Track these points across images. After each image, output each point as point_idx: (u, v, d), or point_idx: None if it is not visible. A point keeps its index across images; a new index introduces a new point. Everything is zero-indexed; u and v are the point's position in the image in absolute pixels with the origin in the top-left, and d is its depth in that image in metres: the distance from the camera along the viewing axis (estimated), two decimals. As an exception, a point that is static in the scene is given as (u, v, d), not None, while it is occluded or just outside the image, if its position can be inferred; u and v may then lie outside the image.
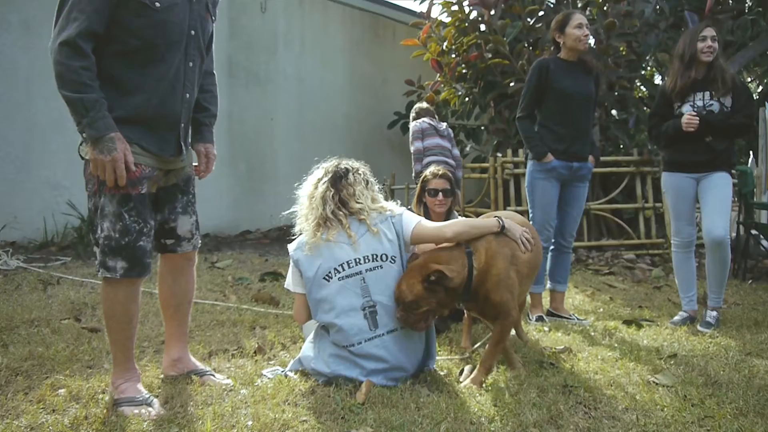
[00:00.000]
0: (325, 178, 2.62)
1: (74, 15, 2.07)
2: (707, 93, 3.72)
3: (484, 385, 2.49)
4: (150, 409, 2.19)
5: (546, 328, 3.60)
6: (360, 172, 2.69)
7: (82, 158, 2.26)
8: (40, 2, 6.54)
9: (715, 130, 3.68)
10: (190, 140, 2.51)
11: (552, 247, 3.97)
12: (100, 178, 2.18)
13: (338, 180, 2.62)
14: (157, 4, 2.17)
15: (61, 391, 2.39)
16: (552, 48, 3.97)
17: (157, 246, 2.49)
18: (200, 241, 2.61)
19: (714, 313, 3.74)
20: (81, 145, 2.24)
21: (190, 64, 2.35)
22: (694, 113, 3.66)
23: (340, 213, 2.56)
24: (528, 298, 3.88)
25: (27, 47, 6.42)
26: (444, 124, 5.67)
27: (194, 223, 2.53)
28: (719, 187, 3.70)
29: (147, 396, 2.28)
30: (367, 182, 2.68)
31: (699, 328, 3.62)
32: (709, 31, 3.70)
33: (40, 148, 6.48)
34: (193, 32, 2.32)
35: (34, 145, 6.47)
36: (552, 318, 3.91)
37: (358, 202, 2.59)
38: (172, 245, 2.49)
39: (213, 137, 2.64)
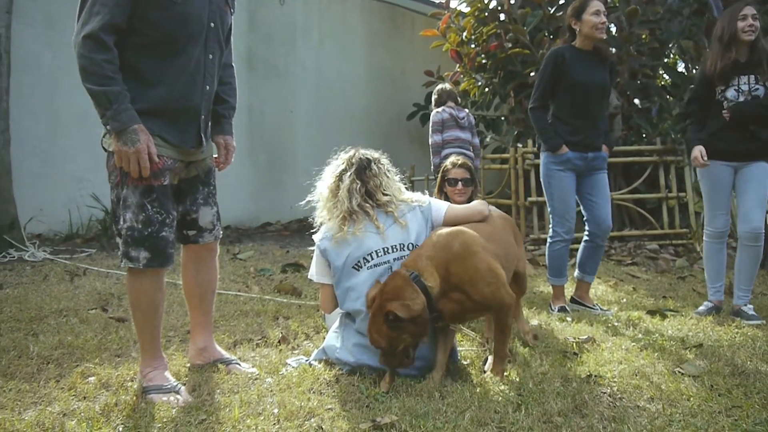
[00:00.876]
0: (350, 170, 2.60)
1: (97, 9, 2.10)
2: (752, 77, 3.58)
3: (505, 374, 2.47)
4: (178, 396, 2.23)
5: (569, 318, 3.58)
6: (381, 162, 2.69)
7: (105, 150, 2.30)
8: (63, -3, 6.63)
9: (755, 118, 3.55)
10: (210, 132, 2.53)
11: (587, 239, 3.88)
12: (123, 170, 2.21)
13: (362, 171, 2.61)
14: None
15: (91, 378, 2.44)
16: (567, 36, 3.87)
17: (180, 237, 2.52)
18: (221, 232, 2.63)
19: (750, 306, 3.65)
20: (104, 137, 2.27)
21: (210, 56, 2.37)
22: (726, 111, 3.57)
23: (367, 205, 2.56)
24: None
25: (50, 42, 6.51)
26: (465, 112, 5.60)
27: (215, 214, 2.56)
28: (758, 177, 3.59)
29: (175, 384, 2.31)
30: (389, 172, 2.68)
31: (746, 322, 3.44)
32: (750, 10, 3.55)
33: (64, 142, 6.58)
34: (212, 24, 2.34)
35: (58, 139, 6.57)
36: (575, 306, 3.89)
37: (385, 194, 2.60)
38: (194, 236, 2.52)
39: (232, 129, 2.66)
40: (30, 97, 6.32)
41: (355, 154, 2.68)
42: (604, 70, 3.82)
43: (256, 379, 2.45)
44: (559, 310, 3.82)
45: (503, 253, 2.61)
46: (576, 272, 3.99)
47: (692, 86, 4.15)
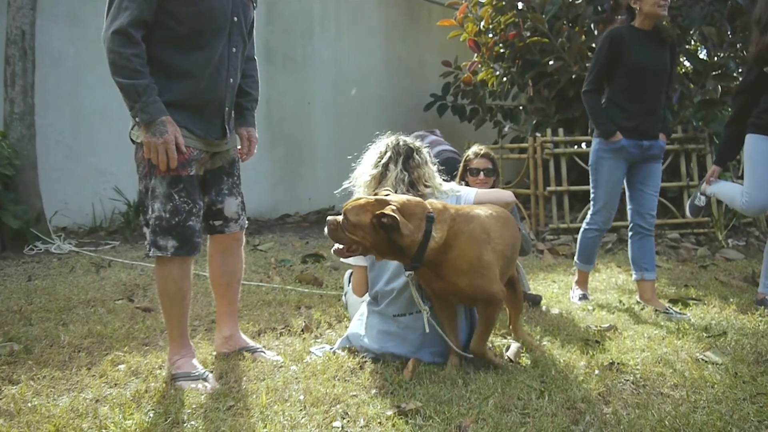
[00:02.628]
0: (398, 159, 2.62)
1: (125, 4, 2.14)
2: None
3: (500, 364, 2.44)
4: (206, 383, 2.28)
5: (590, 307, 3.58)
6: (422, 151, 2.70)
7: (134, 142, 2.35)
8: (85, -7, 6.71)
9: None
10: (233, 124, 2.57)
11: (631, 232, 3.73)
12: (151, 161, 2.26)
13: (407, 161, 2.63)
14: None
15: (121, 366, 2.50)
16: (624, 17, 3.65)
17: (206, 227, 2.56)
18: (247, 222, 2.67)
19: None
20: (132, 129, 2.32)
21: (234, 49, 2.41)
22: None
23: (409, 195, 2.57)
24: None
25: (74, 38, 6.59)
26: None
27: (240, 204, 2.60)
28: None
29: (202, 371, 2.36)
30: (429, 162, 2.70)
31: None
32: None
33: (87, 136, 6.67)
34: (236, 18, 2.38)
35: (82, 133, 6.66)
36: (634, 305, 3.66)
37: (427, 185, 2.63)
38: (221, 226, 2.56)
39: (255, 121, 2.70)
40: (54, 93, 6.41)
41: (399, 143, 2.68)
42: (665, 51, 3.60)
43: (281, 366, 2.49)
44: (580, 299, 3.76)
45: (506, 253, 2.52)
46: (633, 273, 3.74)
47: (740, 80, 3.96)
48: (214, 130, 2.41)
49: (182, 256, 2.33)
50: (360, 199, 2.31)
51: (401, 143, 2.68)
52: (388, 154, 2.64)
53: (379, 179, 2.63)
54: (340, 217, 2.30)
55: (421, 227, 2.24)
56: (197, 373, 2.34)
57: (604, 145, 3.62)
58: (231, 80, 2.42)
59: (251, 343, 2.71)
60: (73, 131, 6.61)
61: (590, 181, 3.77)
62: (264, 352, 2.64)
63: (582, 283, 3.88)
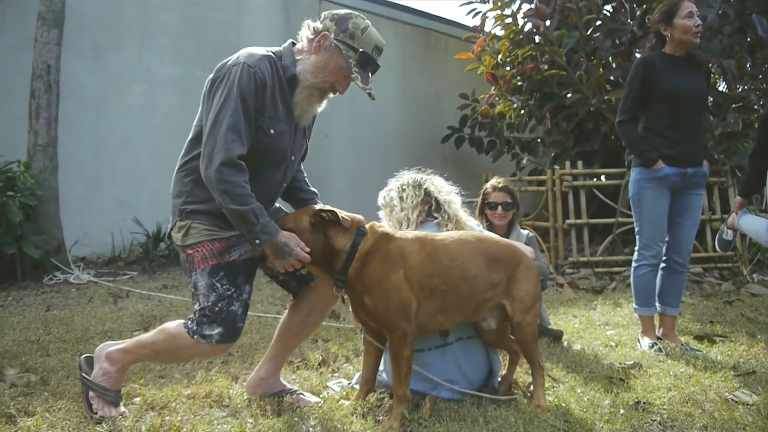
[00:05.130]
0: (425, 208, 2.67)
1: (231, 137, 2.14)
2: None
3: (399, 423, 2.19)
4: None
5: (613, 343, 3.50)
6: (446, 192, 2.73)
7: (179, 245, 2.32)
8: (109, 30, 6.89)
9: None
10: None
11: (664, 264, 3.56)
12: (190, 257, 2.25)
13: (436, 209, 2.67)
14: (272, 131, 2.27)
15: (137, 399, 2.47)
16: (653, 43, 3.56)
17: (298, 282, 2.52)
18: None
19: None
20: (174, 231, 2.31)
21: (285, 184, 2.48)
22: None
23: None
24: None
25: (97, 71, 6.76)
26: None
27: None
28: None
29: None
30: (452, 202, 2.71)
31: None
32: None
33: (108, 167, 6.78)
34: (293, 158, 2.44)
35: (102, 164, 6.77)
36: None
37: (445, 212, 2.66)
38: (306, 272, 2.47)
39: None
40: (77, 125, 6.54)
41: (430, 190, 2.71)
42: (700, 77, 3.49)
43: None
44: (650, 347, 3.35)
45: (433, 285, 2.30)
46: (657, 305, 3.59)
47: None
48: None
49: (225, 343, 2.25)
50: (295, 211, 2.35)
51: (430, 191, 2.72)
52: (413, 193, 2.70)
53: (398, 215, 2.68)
54: None
55: (352, 237, 2.26)
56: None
57: (645, 174, 3.44)
58: (276, 204, 2.50)
59: (288, 385, 2.59)
60: (95, 163, 6.72)
61: (633, 214, 3.57)
62: (303, 395, 2.53)
63: (648, 331, 3.51)
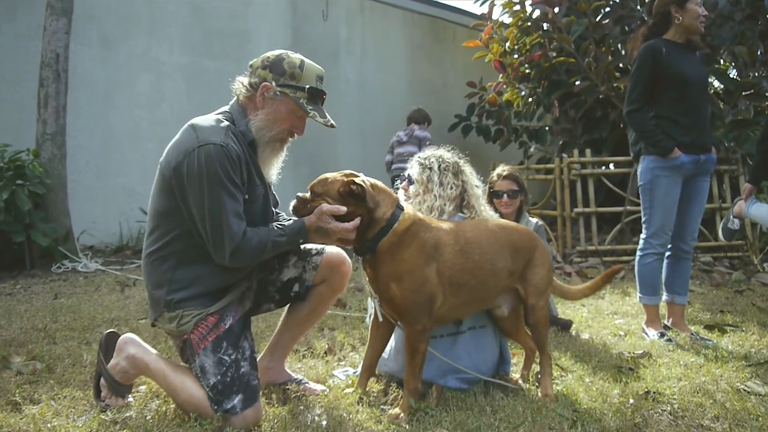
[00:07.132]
0: (458, 202, 2.54)
1: (233, 220, 2.09)
2: None
3: (407, 413, 2.15)
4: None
5: (621, 332, 3.47)
6: (477, 186, 2.63)
7: (171, 333, 2.26)
8: (118, 19, 6.87)
9: None
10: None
11: (668, 252, 3.53)
12: (188, 343, 2.17)
13: (466, 205, 2.57)
14: (246, 196, 2.21)
15: (142, 387, 2.47)
16: (655, 25, 3.48)
17: (295, 297, 2.47)
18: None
19: None
20: (167, 323, 2.21)
21: None
22: None
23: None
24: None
25: (105, 61, 6.74)
26: (409, 129, 7.16)
27: (296, 263, 2.46)
28: None
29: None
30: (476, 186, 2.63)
31: None
32: None
33: (116, 157, 6.78)
34: (272, 210, 2.41)
35: (111, 154, 6.77)
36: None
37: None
38: (300, 288, 2.44)
39: None
40: (85, 114, 6.54)
41: (462, 169, 2.61)
42: (700, 62, 3.51)
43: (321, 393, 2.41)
44: (660, 337, 3.31)
45: (463, 280, 2.26)
46: (664, 295, 3.56)
47: None
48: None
49: (252, 408, 2.13)
50: (326, 175, 2.28)
51: (462, 169, 2.60)
52: (449, 168, 2.56)
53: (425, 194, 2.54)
54: (308, 194, 2.28)
55: (392, 207, 2.20)
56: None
57: (661, 163, 3.38)
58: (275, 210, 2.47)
59: (294, 375, 2.57)
60: (103, 152, 6.72)
61: (642, 201, 3.52)
62: (308, 383, 2.51)
63: (654, 321, 3.47)
